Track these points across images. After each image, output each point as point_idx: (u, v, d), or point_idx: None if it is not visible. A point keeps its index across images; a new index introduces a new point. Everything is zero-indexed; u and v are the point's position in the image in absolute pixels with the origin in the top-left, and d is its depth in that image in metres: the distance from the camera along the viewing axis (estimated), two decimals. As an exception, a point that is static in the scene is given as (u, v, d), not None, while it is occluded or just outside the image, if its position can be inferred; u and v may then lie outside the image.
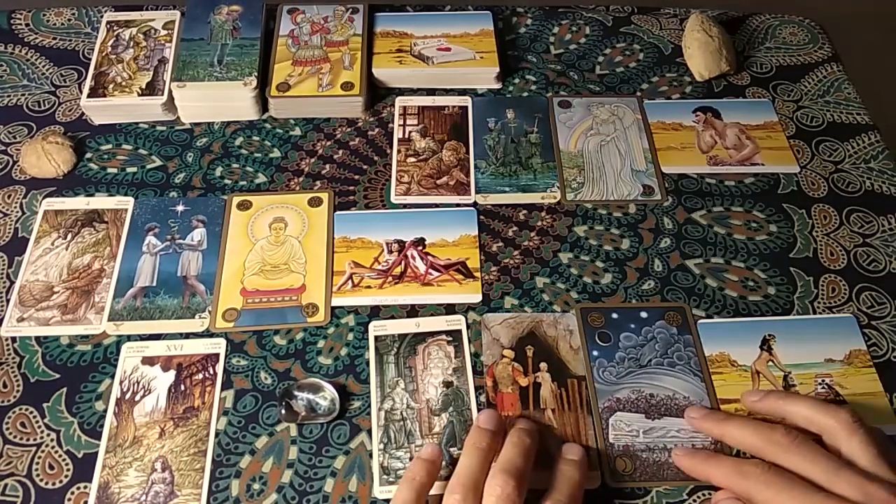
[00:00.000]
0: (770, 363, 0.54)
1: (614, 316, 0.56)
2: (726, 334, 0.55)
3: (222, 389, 0.53)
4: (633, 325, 0.56)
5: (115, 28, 0.73)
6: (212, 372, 0.53)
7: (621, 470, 0.50)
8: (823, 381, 0.53)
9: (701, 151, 0.67)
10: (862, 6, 0.84)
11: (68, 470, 0.50)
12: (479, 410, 0.52)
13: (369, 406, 0.52)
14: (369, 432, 0.51)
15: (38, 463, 0.50)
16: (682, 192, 0.64)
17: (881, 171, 0.66)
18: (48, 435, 0.51)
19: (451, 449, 0.50)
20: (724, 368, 0.54)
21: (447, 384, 0.53)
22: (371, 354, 0.54)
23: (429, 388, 0.53)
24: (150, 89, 0.68)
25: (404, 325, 0.56)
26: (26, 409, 0.52)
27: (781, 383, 0.53)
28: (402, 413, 0.52)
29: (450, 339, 0.55)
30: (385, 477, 0.49)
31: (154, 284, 0.58)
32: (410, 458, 0.50)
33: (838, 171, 0.66)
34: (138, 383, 0.53)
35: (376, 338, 0.55)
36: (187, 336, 0.55)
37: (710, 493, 0.49)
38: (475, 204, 0.63)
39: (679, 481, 0.49)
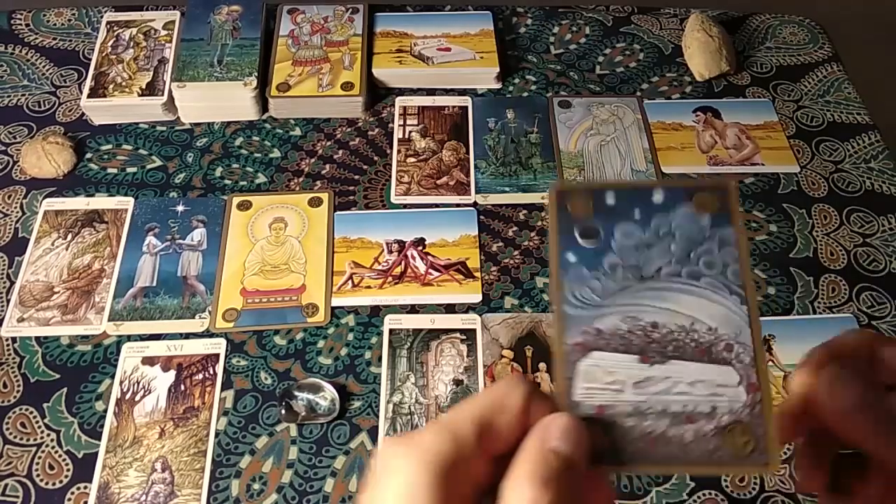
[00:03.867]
0: (770, 363, 0.54)
1: (609, 201, 0.32)
2: (726, 334, 0.54)
3: (222, 389, 0.53)
4: (638, 215, 0.32)
5: (115, 28, 0.73)
6: (212, 372, 0.53)
7: None
8: (823, 380, 0.53)
9: (701, 151, 0.67)
10: (862, 6, 0.84)
11: (68, 470, 0.49)
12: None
13: (369, 406, 0.52)
14: (369, 432, 0.51)
15: (38, 463, 0.50)
16: (682, 192, 0.64)
17: (881, 170, 0.66)
18: (48, 435, 0.51)
19: None
20: (724, 368, 0.53)
21: (457, 382, 0.53)
22: (384, 347, 0.55)
23: (439, 385, 0.53)
24: (150, 89, 0.68)
25: (419, 320, 0.56)
26: (26, 410, 0.52)
27: (781, 383, 0.53)
28: (410, 407, 0.52)
29: (463, 337, 0.55)
30: None
31: (154, 284, 0.58)
32: None
33: (838, 171, 0.66)
34: (138, 383, 0.53)
35: (391, 331, 0.55)
36: (187, 336, 0.55)
37: (710, 493, 0.49)
38: (475, 204, 0.63)
39: (680, 465, 0.28)
